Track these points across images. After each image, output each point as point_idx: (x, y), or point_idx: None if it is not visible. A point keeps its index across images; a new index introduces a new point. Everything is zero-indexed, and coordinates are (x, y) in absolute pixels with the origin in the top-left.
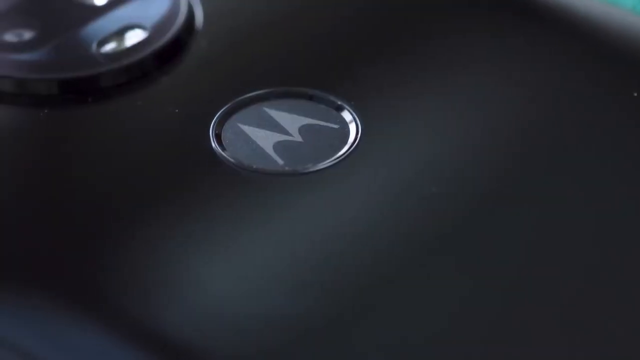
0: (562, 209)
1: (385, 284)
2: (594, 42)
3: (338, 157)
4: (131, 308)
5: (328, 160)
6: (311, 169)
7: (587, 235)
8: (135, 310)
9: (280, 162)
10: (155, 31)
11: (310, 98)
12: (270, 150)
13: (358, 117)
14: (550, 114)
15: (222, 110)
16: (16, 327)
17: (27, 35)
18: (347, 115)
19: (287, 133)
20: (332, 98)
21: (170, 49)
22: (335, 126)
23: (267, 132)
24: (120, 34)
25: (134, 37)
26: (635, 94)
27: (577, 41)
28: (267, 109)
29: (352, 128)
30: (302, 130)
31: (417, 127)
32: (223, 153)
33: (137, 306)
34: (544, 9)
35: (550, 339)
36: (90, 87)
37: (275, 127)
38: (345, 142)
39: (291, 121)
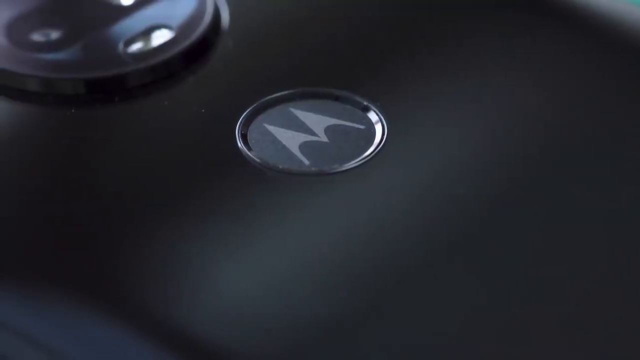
0: (595, 212)
1: (413, 285)
2: (612, 41)
3: (364, 158)
4: (156, 306)
5: (354, 161)
6: (337, 170)
7: (599, 238)
8: (159, 308)
9: (306, 162)
10: (182, 31)
11: (336, 98)
12: (296, 151)
13: (384, 117)
14: (580, 116)
15: (248, 111)
16: (34, 319)
17: (54, 35)
18: (373, 115)
19: (313, 133)
20: (358, 98)
21: (196, 49)
22: (362, 127)
23: (293, 133)
24: (146, 33)
25: (160, 37)
26: None
27: (597, 41)
28: (293, 110)
29: (378, 129)
30: (328, 130)
31: (443, 128)
32: (249, 153)
33: (161, 304)
34: (572, 10)
35: (563, 341)
36: (117, 86)
37: (301, 127)
38: (372, 143)
39: (317, 121)
